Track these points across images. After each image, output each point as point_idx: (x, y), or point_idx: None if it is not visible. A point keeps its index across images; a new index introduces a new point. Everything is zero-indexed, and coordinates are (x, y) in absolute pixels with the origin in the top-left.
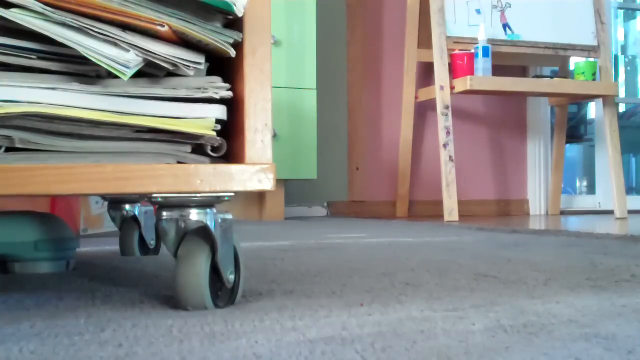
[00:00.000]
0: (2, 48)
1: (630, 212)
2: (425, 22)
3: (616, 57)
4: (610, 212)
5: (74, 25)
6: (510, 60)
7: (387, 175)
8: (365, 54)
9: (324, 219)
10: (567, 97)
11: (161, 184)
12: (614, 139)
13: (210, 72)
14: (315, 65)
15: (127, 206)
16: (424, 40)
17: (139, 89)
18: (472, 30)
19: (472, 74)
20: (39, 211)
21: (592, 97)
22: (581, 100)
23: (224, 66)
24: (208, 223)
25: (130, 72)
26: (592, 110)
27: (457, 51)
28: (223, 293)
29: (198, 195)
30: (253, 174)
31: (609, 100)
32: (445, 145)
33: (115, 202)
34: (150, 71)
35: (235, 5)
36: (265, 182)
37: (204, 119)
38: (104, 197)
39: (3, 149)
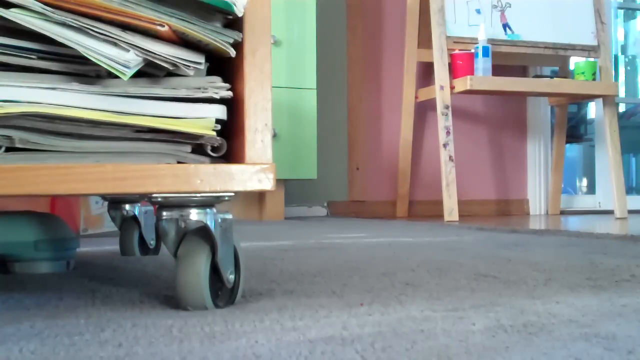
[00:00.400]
0: (2, 48)
1: (630, 212)
2: (425, 22)
3: (616, 57)
4: (611, 212)
5: (74, 25)
6: (510, 60)
7: (387, 175)
8: (365, 54)
9: (324, 219)
10: (567, 97)
11: (161, 184)
12: (614, 139)
13: (210, 72)
14: (315, 65)
15: (127, 206)
16: (424, 40)
17: (139, 89)
18: (472, 30)
19: (472, 74)
20: (39, 211)
21: (592, 97)
22: (581, 100)
23: (224, 66)
24: (208, 223)
25: (130, 72)
26: (592, 110)
27: (457, 51)
28: (223, 293)
29: (198, 195)
30: (253, 174)
31: (609, 100)
32: (445, 145)
33: (115, 202)
34: (150, 71)
35: (235, 5)
36: (265, 182)
37: (204, 119)
38: (104, 197)
39: (3, 149)
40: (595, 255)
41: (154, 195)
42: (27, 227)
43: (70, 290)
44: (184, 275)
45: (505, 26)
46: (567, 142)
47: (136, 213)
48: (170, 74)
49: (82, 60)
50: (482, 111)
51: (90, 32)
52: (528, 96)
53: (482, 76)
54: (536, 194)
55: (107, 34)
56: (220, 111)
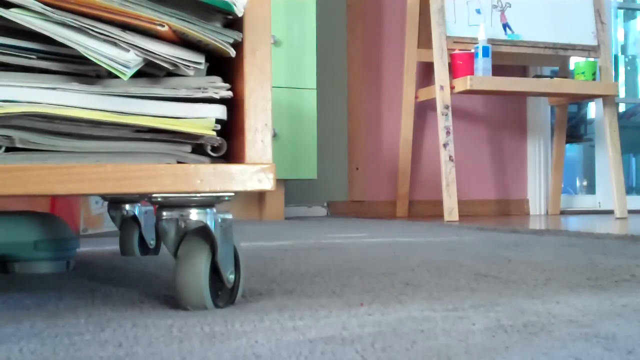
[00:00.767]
0: (2, 48)
1: (630, 212)
2: (425, 22)
3: (616, 57)
4: (610, 212)
5: (74, 25)
6: (510, 60)
7: (387, 175)
8: (365, 54)
9: (324, 219)
10: (567, 97)
11: (161, 184)
12: (614, 139)
13: (210, 72)
14: (315, 65)
15: (127, 206)
16: (424, 40)
17: (139, 89)
18: (472, 30)
19: (472, 74)
20: (39, 211)
21: (592, 97)
22: (581, 100)
23: (224, 66)
24: (208, 223)
25: (130, 72)
26: (592, 110)
27: (457, 51)
28: (223, 293)
29: (198, 195)
30: (253, 174)
31: (609, 100)
32: (445, 145)
33: (115, 202)
34: (150, 71)
35: (235, 5)
36: (265, 182)
37: (204, 119)
38: (104, 197)
39: (3, 149)
40: (595, 255)
41: (154, 195)
42: (27, 227)
43: (70, 290)
44: (184, 275)
45: (505, 26)
46: (567, 142)
47: (136, 213)
48: (170, 74)
49: (82, 60)
50: (482, 111)
51: (90, 32)
52: (528, 96)
53: (482, 76)
54: (536, 194)
55: (107, 34)
56: (220, 111)
